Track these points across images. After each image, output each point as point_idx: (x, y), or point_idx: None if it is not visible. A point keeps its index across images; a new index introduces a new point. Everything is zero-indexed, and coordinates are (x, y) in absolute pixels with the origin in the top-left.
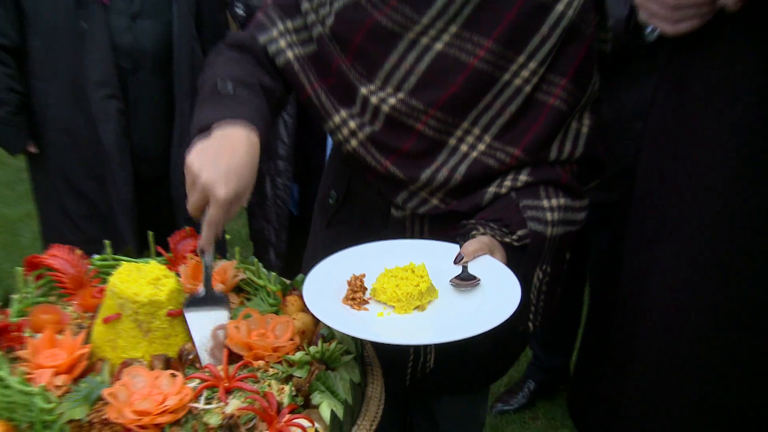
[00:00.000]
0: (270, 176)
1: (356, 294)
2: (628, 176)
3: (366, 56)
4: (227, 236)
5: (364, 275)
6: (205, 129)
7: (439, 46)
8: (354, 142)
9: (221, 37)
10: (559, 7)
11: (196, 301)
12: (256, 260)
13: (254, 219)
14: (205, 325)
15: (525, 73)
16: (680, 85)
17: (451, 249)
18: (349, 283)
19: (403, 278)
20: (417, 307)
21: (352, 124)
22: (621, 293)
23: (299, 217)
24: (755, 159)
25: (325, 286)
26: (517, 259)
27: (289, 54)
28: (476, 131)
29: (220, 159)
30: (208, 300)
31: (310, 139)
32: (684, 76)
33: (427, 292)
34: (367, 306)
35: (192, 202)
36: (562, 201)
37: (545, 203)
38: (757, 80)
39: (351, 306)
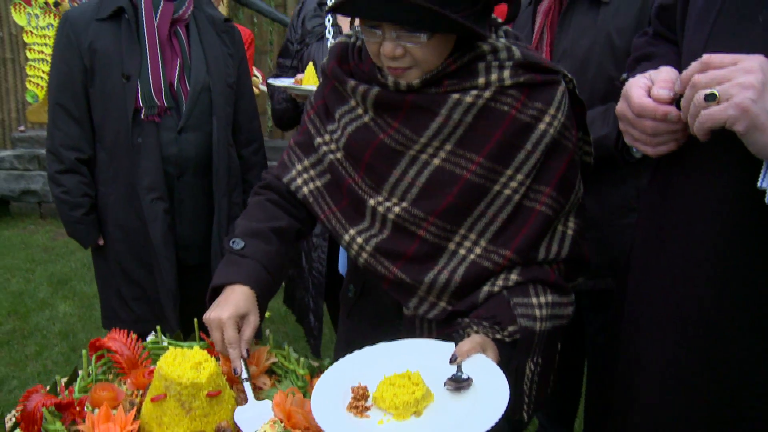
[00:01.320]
0: (305, 251)
1: (359, 402)
2: (616, 266)
3: (374, 171)
4: (267, 314)
5: (366, 386)
6: (218, 289)
7: (436, 161)
8: (365, 255)
9: (255, 141)
10: (541, 126)
11: (243, 410)
12: (287, 346)
13: (296, 288)
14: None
15: (513, 184)
16: (664, 194)
17: (447, 348)
18: (353, 391)
19: (400, 386)
20: (414, 413)
21: (360, 239)
22: (618, 373)
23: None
24: (734, 259)
25: (331, 394)
26: (509, 354)
27: (305, 189)
28: (472, 236)
29: (221, 301)
30: (253, 406)
31: None
32: (667, 185)
33: (422, 398)
34: (368, 413)
35: (216, 341)
36: (550, 298)
37: (534, 300)
38: (734, 189)
39: (354, 413)
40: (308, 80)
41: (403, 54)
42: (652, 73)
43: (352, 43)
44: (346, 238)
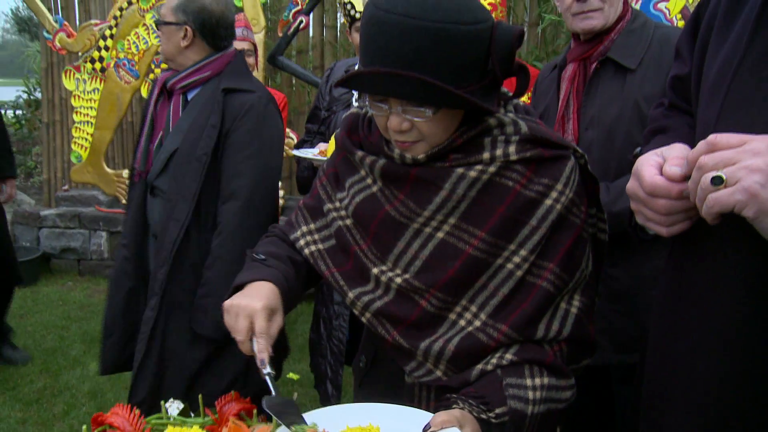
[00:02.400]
0: (324, 318)
1: None
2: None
3: (380, 241)
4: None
5: None
6: (239, 287)
7: (440, 234)
8: (368, 314)
9: (221, 230)
10: (548, 202)
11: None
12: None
13: (314, 354)
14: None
15: (516, 259)
16: (680, 272)
17: (425, 417)
18: None
19: None
20: None
21: (365, 299)
22: None
23: None
24: (749, 340)
25: None
26: None
27: (307, 251)
28: (473, 308)
29: (249, 292)
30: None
31: None
32: (683, 263)
33: None
34: None
35: (240, 329)
36: (546, 380)
37: (528, 382)
38: (747, 267)
39: None
40: (331, 151)
41: (410, 128)
42: (664, 149)
43: (363, 115)
44: (350, 296)
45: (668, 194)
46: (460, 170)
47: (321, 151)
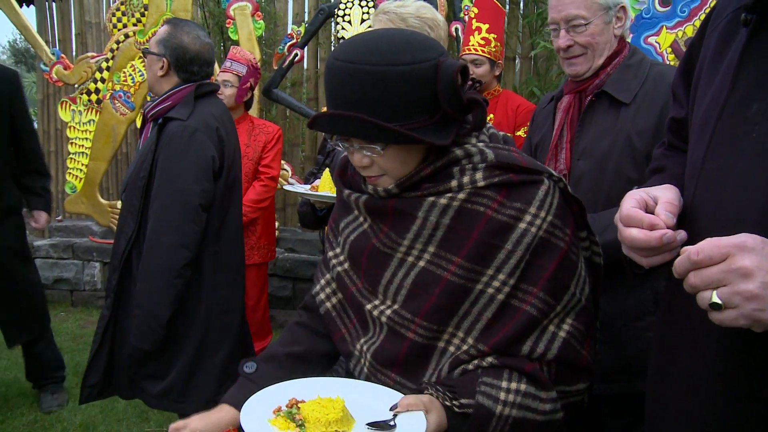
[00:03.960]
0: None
1: (280, 411)
2: (630, 370)
3: (369, 274)
4: None
5: (300, 400)
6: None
7: (421, 263)
8: (366, 364)
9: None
10: (522, 225)
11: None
12: None
13: None
14: None
15: (496, 284)
16: (679, 295)
17: (396, 397)
18: (289, 401)
19: (322, 406)
20: None
21: (365, 347)
22: None
23: None
24: (750, 363)
25: (272, 400)
26: (459, 426)
27: (328, 304)
28: (460, 334)
29: (208, 414)
30: None
31: None
32: (681, 286)
33: (336, 422)
34: (290, 423)
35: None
36: (522, 387)
37: (504, 384)
38: None
39: (274, 418)
40: (324, 187)
41: (371, 164)
42: (654, 189)
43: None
44: (357, 346)
45: (641, 225)
46: (431, 199)
47: (312, 187)
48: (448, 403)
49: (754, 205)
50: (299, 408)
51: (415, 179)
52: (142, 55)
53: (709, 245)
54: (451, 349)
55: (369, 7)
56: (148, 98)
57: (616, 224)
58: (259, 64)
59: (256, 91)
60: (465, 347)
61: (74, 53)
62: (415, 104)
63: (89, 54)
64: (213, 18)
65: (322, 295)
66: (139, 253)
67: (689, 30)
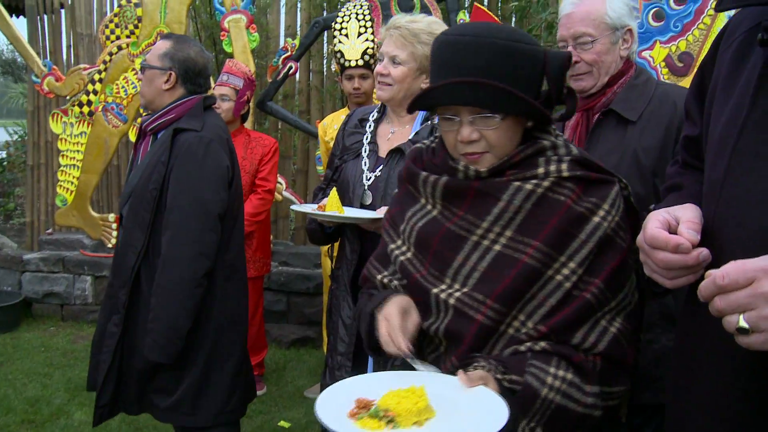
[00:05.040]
0: (330, 369)
1: (360, 411)
2: (639, 382)
3: (440, 258)
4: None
5: (371, 399)
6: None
7: (497, 247)
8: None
9: (162, 259)
10: (595, 219)
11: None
12: None
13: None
14: None
15: (565, 271)
16: (695, 315)
17: (455, 380)
18: (357, 402)
19: (404, 396)
20: (416, 423)
21: (432, 327)
22: None
23: None
24: (762, 391)
25: (336, 402)
26: (507, 401)
27: (396, 282)
28: (521, 317)
29: (384, 305)
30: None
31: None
32: (699, 305)
33: (425, 409)
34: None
35: (383, 334)
36: (569, 375)
37: (552, 370)
38: None
39: (354, 420)
40: (331, 206)
41: (479, 138)
42: (675, 208)
43: (427, 146)
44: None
45: (666, 246)
46: (517, 183)
47: (320, 206)
48: (499, 376)
49: None
50: (379, 405)
51: (505, 165)
52: (137, 68)
53: (735, 269)
54: (510, 331)
55: (366, 20)
56: (142, 112)
57: (638, 244)
58: (254, 76)
59: (251, 104)
60: (524, 330)
61: (66, 65)
62: (532, 82)
63: (81, 66)
64: (206, 30)
65: (385, 280)
66: (148, 267)
67: (682, 44)
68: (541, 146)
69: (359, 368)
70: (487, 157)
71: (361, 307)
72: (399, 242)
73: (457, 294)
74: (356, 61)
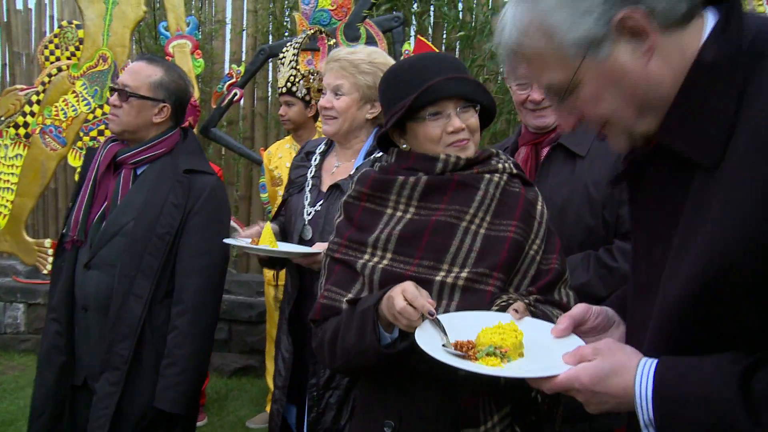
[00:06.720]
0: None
1: (470, 351)
2: None
3: (433, 247)
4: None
5: (469, 341)
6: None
7: (482, 231)
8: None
9: (182, 302)
10: (539, 206)
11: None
12: None
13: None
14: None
15: (534, 247)
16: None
17: (544, 325)
18: (457, 344)
19: (503, 333)
20: (519, 355)
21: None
22: None
23: None
24: None
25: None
26: None
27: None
28: (511, 288)
29: (389, 291)
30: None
31: (303, 373)
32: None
33: (521, 343)
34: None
35: (405, 307)
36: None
37: (555, 311)
38: None
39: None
40: (264, 240)
41: (464, 127)
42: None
43: (380, 166)
44: None
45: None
46: (487, 176)
47: (253, 240)
48: (531, 306)
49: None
50: (492, 344)
51: (473, 162)
52: (78, 90)
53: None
54: (504, 296)
55: (297, 50)
56: (84, 138)
57: None
58: (197, 102)
59: (195, 131)
60: (514, 296)
61: (1, 84)
62: None
63: (18, 86)
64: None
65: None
66: (152, 317)
67: None
68: (490, 150)
69: (298, 404)
70: (470, 145)
71: (342, 319)
72: (367, 256)
73: (463, 274)
74: (281, 88)
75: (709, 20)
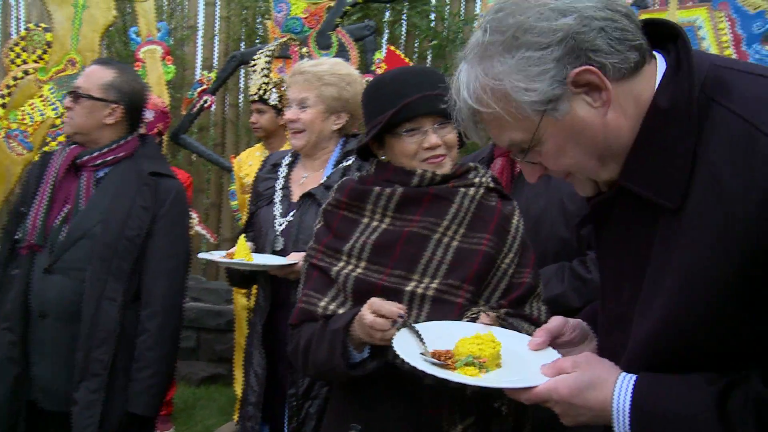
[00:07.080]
0: (242, 420)
1: (448, 361)
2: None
3: (406, 257)
4: None
5: (447, 350)
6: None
7: (455, 243)
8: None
9: (150, 305)
10: (514, 220)
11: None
12: None
13: None
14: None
15: (507, 260)
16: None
17: (520, 338)
18: (435, 353)
19: (479, 343)
20: (497, 365)
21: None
22: None
23: None
24: None
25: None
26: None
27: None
28: (482, 302)
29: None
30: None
31: (276, 390)
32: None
33: (499, 353)
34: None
35: (376, 322)
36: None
37: (525, 325)
38: None
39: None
40: (239, 254)
41: (441, 144)
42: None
43: (359, 176)
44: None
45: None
46: (463, 189)
47: (228, 254)
48: (501, 319)
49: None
50: (469, 354)
51: (450, 176)
52: (45, 94)
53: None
54: (474, 308)
55: (269, 58)
56: (52, 143)
57: None
58: (168, 108)
59: (165, 137)
60: (484, 308)
61: None
62: None
63: None
64: (120, 59)
65: (330, 308)
66: (126, 320)
67: None
68: (469, 165)
69: (270, 420)
70: (447, 161)
71: (315, 332)
72: (342, 263)
73: (434, 285)
74: (252, 96)
75: (660, 64)
